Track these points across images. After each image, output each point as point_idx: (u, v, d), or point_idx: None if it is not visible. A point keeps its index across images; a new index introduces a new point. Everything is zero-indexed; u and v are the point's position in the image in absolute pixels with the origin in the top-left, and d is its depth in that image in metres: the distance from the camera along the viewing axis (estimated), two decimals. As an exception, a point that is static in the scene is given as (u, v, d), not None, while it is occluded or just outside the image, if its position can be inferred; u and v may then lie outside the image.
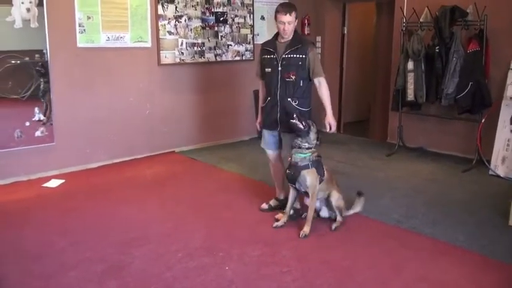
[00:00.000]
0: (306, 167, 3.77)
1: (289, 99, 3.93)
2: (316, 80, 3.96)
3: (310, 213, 3.84)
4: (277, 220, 4.00)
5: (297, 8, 3.96)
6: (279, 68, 3.93)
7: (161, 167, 5.74)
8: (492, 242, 3.68)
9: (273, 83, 3.98)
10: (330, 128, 3.97)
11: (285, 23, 3.85)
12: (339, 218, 3.96)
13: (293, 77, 3.90)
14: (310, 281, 3.10)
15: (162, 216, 4.20)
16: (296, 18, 3.91)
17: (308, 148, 3.80)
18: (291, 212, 4.05)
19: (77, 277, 3.15)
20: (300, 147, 3.79)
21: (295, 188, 3.93)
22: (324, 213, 4.05)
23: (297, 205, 4.13)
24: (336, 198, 3.95)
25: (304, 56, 3.89)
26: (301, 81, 3.92)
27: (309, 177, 3.77)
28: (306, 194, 3.89)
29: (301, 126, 3.73)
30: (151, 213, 4.26)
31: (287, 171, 3.87)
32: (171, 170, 5.64)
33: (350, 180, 5.19)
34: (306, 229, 3.78)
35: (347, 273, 3.21)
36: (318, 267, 3.27)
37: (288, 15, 3.84)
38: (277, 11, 3.90)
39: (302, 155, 3.79)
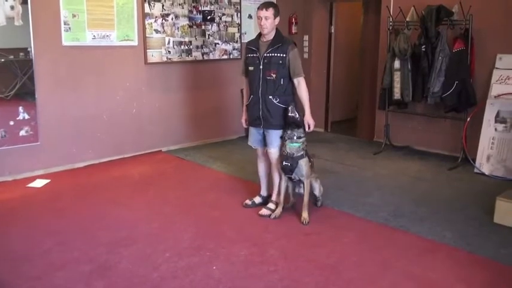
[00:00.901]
0: (302, 156, 3.97)
1: (270, 96, 4.02)
2: (295, 80, 4.03)
3: (306, 199, 4.05)
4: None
5: (277, 6, 4.04)
6: (261, 67, 4.02)
7: (148, 166, 5.71)
8: (478, 239, 3.72)
9: (255, 81, 4.08)
10: (309, 127, 4.01)
11: (262, 18, 3.96)
12: (319, 197, 4.31)
13: (273, 75, 3.98)
14: (297, 279, 3.11)
15: (149, 215, 4.17)
16: (275, 16, 3.98)
17: (299, 137, 3.95)
18: (274, 206, 4.20)
19: (65, 277, 3.12)
20: (292, 138, 3.94)
21: (289, 178, 4.10)
22: (301, 190, 4.17)
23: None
24: (318, 185, 4.25)
25: (284, 55, 3.97)
26: (282, 80, 4.00)
27: (305, 167, 3.98)
28: (297, 182, 4.12)
29: (298, 118, 3.92)
30: (139, 213, 4.23)
31: (283, 163, 3.99)
32: (159, 169, 5.61)
33: (338, 178, 5.22)
34: (305, 215, 4.00)
35: (334, 272, 3.22)
36: (305, 266, 3.28)
37: (264, 10, 3.95)
38: (257, 8, 4.05)
39: (296, 145, 3.95)
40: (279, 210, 4.13)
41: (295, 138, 3.94)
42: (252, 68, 4.09)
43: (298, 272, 3.20)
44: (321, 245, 3.61)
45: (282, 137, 4.04)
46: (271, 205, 4.23)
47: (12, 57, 4.91)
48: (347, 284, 3.08)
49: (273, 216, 4.10)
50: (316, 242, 3.67)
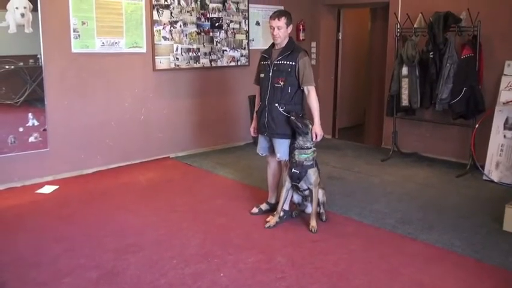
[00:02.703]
0: (311, 166, 3.96)
1: (276, 104, 4.02)
2: (305, 88, 4.02)
3: (315, 207, 4.00)
4: (269, 221, 4.10)
5: (289, 15, 4.05)
6: (270, 74, 4.03)
7: (156, 172, 5.72)
8: (487, 247, 3.69)
9: (264, 88, 4.11)
10: (316, 137, 3.97)
11: (274, 28, 3.97)
12: (322, 211, 4.20)
13: (281, 83, 3.98)
14: (305, 286, 3.10)
15: (157, 222, 4.18)
16: (287, 24, 3.99)
17: (309, 148, 3.94)
18: (281, 213, 4.13)
19: (72, 284, 3.13)
20: (302, 148, 3.94)
21: (295, 186, 4.05)
22: (309, 209, 4.13)
23: (286, 206, 4.21)
24: (321, 194, 4.16)
25: (293, 63, 3.97)
26: (289, 88, 3.99)
27: (314, 176, 3.96)
28: (302, 191, 4.06)
29: (300, 125, 3.88)
30: (146, 219, 4.24)
31: (292, 170, 3.97)
32: (166, 175, 5.63)
33: (345, 185, 5.20)
34: (314, 223, 3.95)
35: (342, 279, 3.21)
36: (313, 273, 3.27)
37: (276, 20, 3.95)
38: (269, 17, 4.05)
39: (306, 155, 3.94)
40: (273, 220, 4.08)
41: (305, 148, 3.92)
42: (263, 75, 4.12)
43: (306, 279, 3.19)
44: (328, 252, 3.60)
45: (291, 145, 4.02)
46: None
47: (22, 64, 4.96)
48: (354, 291, 3.07)
49: (267, 225, 4.05)
50: (323, 249, 3.66)
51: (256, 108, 4.31)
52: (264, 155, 4.31)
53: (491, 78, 5.68)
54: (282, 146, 4.07)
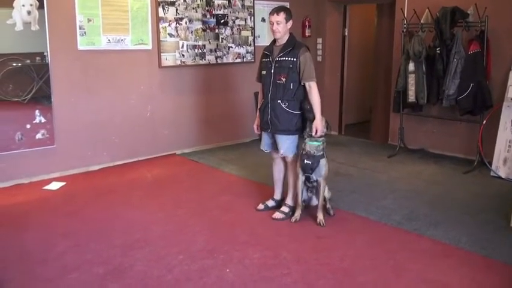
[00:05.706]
0: (322, 156, 3.97)
1: (279, 101, 4.03)
2: (306, 84, 4.01)
3: (321, 200, 4.01)
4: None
5: (288, 10, 4.05)
6: (272, 71, 4.04)
7: (162, 169, 5.74)
8: (494, 244, 3.67)
9: (266, 85, 4.11)
10: (316, 132, 3.98)
11: (273, 23, 3.98)
12: (328, 205, 4.25)
13: (283, 79, 3.99)
14: (310, 282, 3.10)
15: (163, 218, 4.20)
16: (287, 20, 4.00)
17: (320, 136, 3.94)
18: (287, 209, 4.17)
19: (79, 279, 3.15)
20: (312, 136, 3.94)
21: (306, 179, 4.07)
22: (314, 202, 4.18)
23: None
24: (326, 191, 4.18)
25: (295, 59, 3.97)
26: (292, 84, 3.99)
27: (325, 167, 3.99)
28: (311, 182, 4.08)
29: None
30: (153, 216, 4.25)
31: (305, 161, 3.97)
32: (173, 172, 5.64)
33: (351, 181, 5.19)
34: (321, 216, 3.97)
35: (348, 275, 3.20)
36: (319, 269, 3.27)
37: (275, 14, 3.97)
38: (269, 13, 4.08)
39: (316, 143, 3.95)
40: (298, 213, 4.11)
41: (316, 136, 3.93)
42: (265, 72, 4.13)
43: (312, 275, 3.19)
44: (334, 248, 3.60)
45: (301, 135, 4.07)
46: (284, 208, 4.22)
47: (28, 61, 4.99)
48: (360, 287, 3.06)
49: (293, 219, 4.07)
50: (329, 245, 3.66)
51: (258, 106, 4.32)
52: (268, 151, 4.33)
53: (498, 74, 5.63)
54: (285, 142, 4.07)
